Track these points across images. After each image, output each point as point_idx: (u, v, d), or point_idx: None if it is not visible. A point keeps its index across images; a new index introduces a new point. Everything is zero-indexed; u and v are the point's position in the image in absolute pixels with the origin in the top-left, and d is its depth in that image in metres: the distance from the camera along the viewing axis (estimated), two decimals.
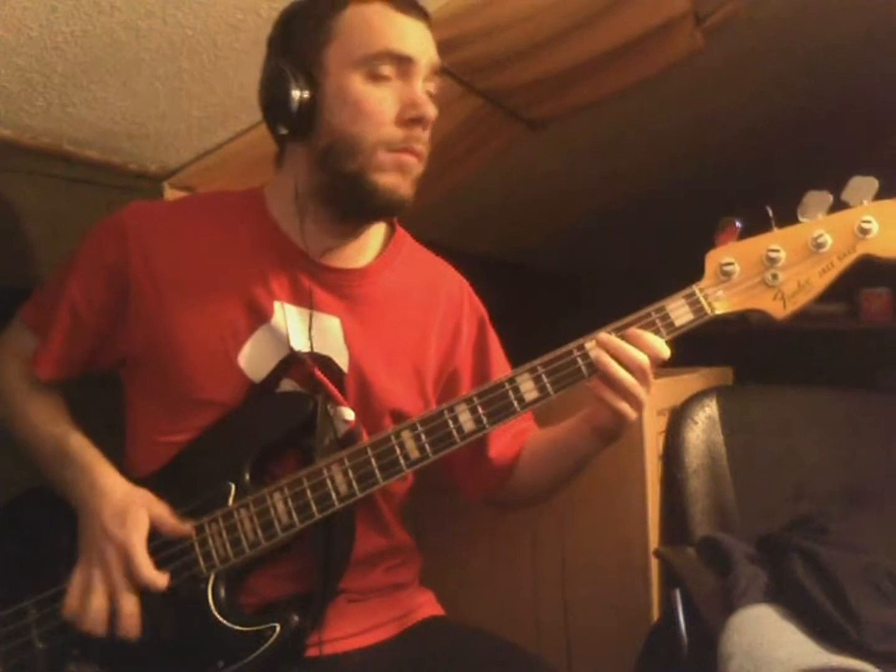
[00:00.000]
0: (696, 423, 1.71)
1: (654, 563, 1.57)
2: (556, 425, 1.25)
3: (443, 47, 1.53)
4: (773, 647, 1.22)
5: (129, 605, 1.04)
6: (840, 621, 1.24)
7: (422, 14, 1.12)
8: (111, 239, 1.16)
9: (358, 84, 1.08)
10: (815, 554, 1.35)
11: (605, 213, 2.93)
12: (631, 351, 1.05)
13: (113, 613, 1.05)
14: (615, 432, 1.14)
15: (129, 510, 1.07)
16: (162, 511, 1.08)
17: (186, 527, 1.08)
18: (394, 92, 1.09)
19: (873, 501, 1.72)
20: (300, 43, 1.10)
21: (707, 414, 1.74)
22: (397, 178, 1.10)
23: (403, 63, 1.09)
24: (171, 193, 1.58)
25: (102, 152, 1.47)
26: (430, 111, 1.10)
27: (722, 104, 2.41)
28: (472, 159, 1.94)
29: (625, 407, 1.07)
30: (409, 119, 1.09)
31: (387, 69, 1.08)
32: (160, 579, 1.05)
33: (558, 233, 3.00)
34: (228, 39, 1.30)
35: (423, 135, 1.11)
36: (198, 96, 1.41)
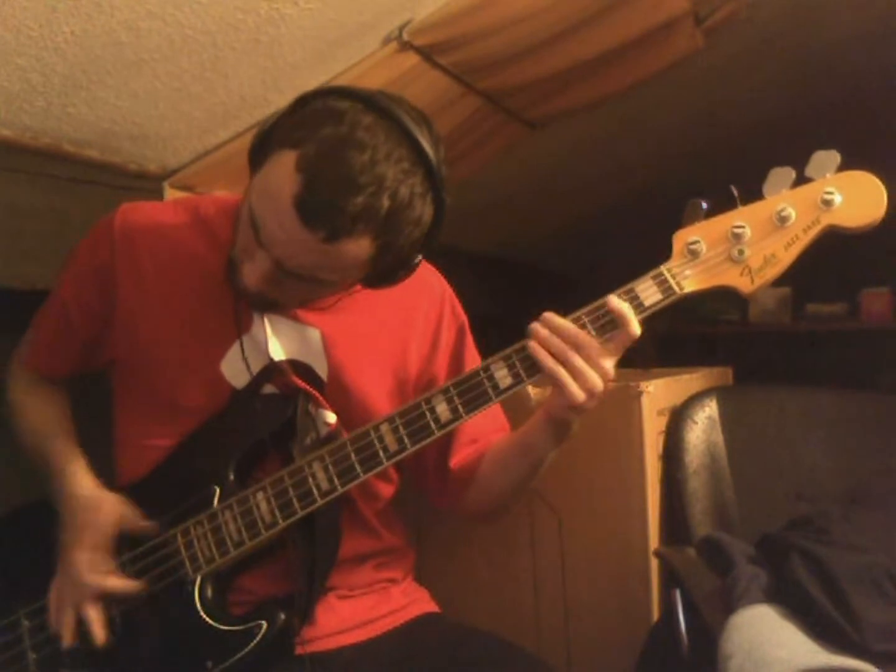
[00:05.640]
0: (696, 423, 1.71)
1: (654, 563, 1.56)
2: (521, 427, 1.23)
3: (443, 47, 1.55)
4: (773, 647, 1.22)
5: (91, 613, 1.06)
6: (840, 621, 1.24)
7: (318, 228, 0.96)
8: (101, 240, 1.17)
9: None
10: (815, 554, 1.35)
11: (605, 212, 2.94)
12: (568, 326, 1.04)
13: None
14: (565, 419, 1.10)
15: (78, 516, 1.08)
16: (124, 511, 1.09)
17: (149, 524, 1.09)
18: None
19: (873, 501, 1.72)
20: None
21: (707, 414, 1.73)
22: None
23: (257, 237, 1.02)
24: (171, 193, 1.58)
25: (102, 152, 1.47)
26: (249, 287, 1.05)
27: (722, 103, 2.41)
28: (471, 159, 1.94)
29: (563, 375, 1.02)
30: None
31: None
32: (110, 583, 1.06)
33: (558, 231, 3.00)
34: (228, 39, 1.30)
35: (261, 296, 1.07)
36: (198, 96, 1.41)
